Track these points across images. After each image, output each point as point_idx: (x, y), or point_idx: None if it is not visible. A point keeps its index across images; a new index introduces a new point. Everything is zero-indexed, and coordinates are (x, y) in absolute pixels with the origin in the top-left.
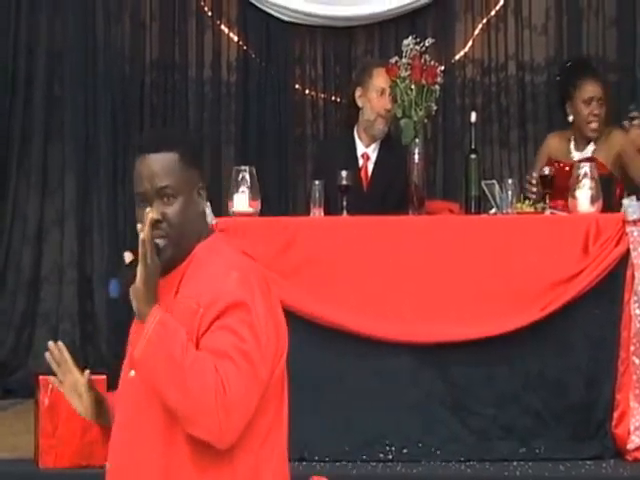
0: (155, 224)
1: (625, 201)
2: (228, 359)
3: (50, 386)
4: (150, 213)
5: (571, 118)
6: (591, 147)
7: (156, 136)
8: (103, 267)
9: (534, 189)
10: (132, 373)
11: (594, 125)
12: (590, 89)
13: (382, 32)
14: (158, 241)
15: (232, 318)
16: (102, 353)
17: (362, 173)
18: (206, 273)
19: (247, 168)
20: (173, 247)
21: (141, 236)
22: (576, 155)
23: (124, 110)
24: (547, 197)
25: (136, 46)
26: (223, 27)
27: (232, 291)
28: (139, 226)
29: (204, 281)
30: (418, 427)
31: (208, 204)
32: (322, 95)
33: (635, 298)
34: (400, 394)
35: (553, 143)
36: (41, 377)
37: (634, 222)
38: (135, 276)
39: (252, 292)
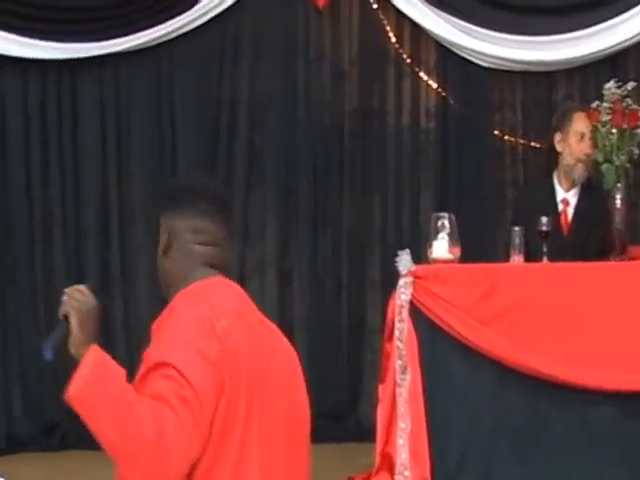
0: None
1: None
2: (166, 403)
3: None
4: None
5: None
6: None
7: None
8: (304, 315)
9: None
10: None
11: None
12: None
13: (582, 76)
14: None
15: (161, 372)
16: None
17: (562, 219)
18: (165, 326)
19: (446, 215)
20: (161, 285)
21: None
22: None
23: (324, 158)
24: None
25: (336, 94)
26: (422, 74)
27: (167, 351)
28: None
29: (159, 335)
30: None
31: (407, 251)
32: (521, 141)
33: None
34: (603, 444)
35: None
36: None
37: None
38: (69, 329)
39: (186, 351)
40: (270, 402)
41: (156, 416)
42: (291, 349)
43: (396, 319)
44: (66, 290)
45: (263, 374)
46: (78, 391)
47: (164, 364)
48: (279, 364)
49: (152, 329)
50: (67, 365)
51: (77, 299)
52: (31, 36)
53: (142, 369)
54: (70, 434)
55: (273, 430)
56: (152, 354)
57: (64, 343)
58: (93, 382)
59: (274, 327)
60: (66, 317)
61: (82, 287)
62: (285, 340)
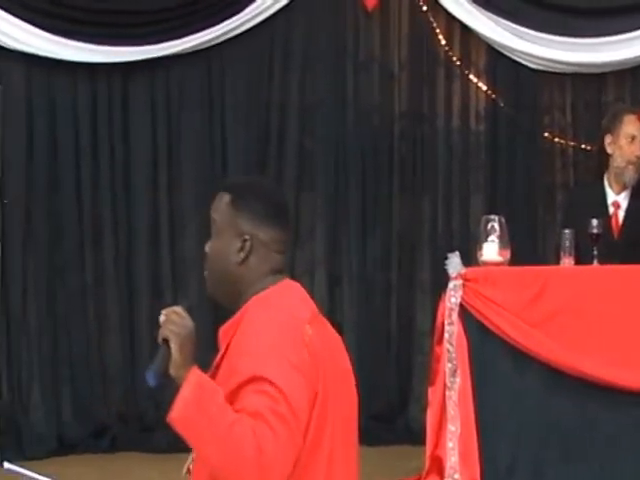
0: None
1: None
2: (264, 421)
3: None
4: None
5: None
6: None
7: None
8: (353, 317)
9: None
10: None
11: None
12: None
13: (634, 78)
14: (205, 273)
15: (256, 387)
16: None
17: (613, 221)
18: (247, 334)
19: (496, 217)
20: (211, 284)
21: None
22: None
23: (373, 160)
24: None
25: (385, 96)
26: (472, 76)
27: (259, 365)
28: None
29: (242, 344)
30: None
31: (457, 253)
32: (572, 143)
33: None
34: None
35: None
36: None
37: None
38: (170, 353)
39: (280, 364)
40: (341, 403)
41: (255, 435)
42: (342, 343)
43: (446, 322)
44: (163, 312)
45: (336, 375)
46: (181, 414)
47: (259, 378)
48: (340, 362)
49: (220, 333)
50: (168, 388)
51: (176, 323)
52: (79, 39)
53: (232, 383)
54: (120, 437)
55: (340, 430)
56: (242, 367)
57: (165, 367)
58: (194, 405)
59: (327, 322)
60: (166, 341)
61: (178, 309)
62: (336, 333)
